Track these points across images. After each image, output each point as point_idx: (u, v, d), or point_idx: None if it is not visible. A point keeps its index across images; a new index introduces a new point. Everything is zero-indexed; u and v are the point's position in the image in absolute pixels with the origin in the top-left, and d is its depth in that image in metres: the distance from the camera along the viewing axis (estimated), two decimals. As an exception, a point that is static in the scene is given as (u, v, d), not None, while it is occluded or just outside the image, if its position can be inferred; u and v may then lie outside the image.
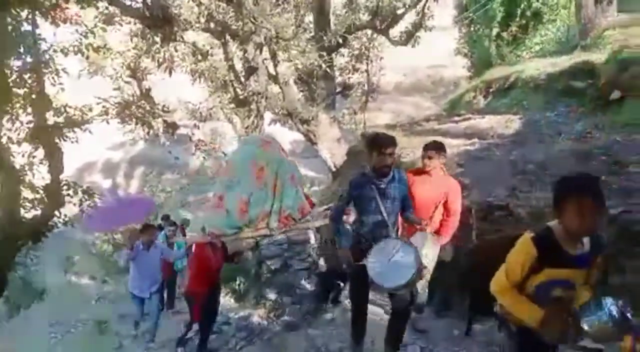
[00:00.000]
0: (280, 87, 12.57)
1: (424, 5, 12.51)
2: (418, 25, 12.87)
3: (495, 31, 16.63)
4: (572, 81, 10.97)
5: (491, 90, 13.70)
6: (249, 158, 5.38)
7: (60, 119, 9.27)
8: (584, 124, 9.46)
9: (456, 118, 12.70)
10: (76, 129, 9.31)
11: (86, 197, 9.42)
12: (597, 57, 10.86)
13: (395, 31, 13.47)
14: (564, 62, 11.88)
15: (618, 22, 12.22)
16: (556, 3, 16.31)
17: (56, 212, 8.35)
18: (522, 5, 16.05)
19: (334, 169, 13.19)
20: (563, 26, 16.78)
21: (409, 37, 13.22)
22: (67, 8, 9.81)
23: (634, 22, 11.80)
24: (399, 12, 12.87)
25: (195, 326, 6.50)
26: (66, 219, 8.96)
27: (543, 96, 11.41)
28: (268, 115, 13.89)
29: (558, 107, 10.73)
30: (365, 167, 4.35)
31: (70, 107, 9.71)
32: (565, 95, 10.90)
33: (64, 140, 8.86)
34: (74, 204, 9.35)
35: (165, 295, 9.09)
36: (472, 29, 17.94)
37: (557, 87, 11.25)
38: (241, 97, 12.01)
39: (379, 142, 3.91)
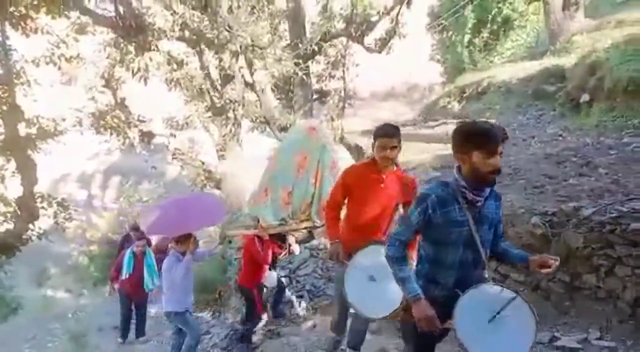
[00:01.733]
0: (257, 95, 12.58)
1: (397, 13, 12.67)
2: (392, 33, 13.02)
3: (467, 38, 16.97)
4: (542, 85, 11.24)
5: (465, 95, 13.95)
6: (293, 147, 5.24)
7: (33, 130, 9.14)
8: (555, 126, 9.71)
9: (432, 123, 12.90)
10: (49, 140, 9.19)
11: (61, 209, 9.27)
12: (567, 61, 11.16)
13: (370, 39, 13.62)
14: (534, 66, 12.18)
15: (585, 27, 12.58)
16: (526, 9, 16.71)
17: (30, 225, 8.20)
18: (493, 12, 16.41)
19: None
20: (533, 32, 17.20)
21: (384, 45, 13.37)
22: (37, 18, 9.69)
23: (600, 27, 12.17)
24: (373, 19, 13.02)
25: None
26: (40, 231, 8.80)
27: (515, 100, 11.66)
28: (246, 123, 13.88)
29: (530, 110, 10.98)
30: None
31: (42, 118, 9.57)
32: (536, 99, 11.16)
33: (37, 151, 8.72)
34: (49, 217, 9.20)
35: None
36: (444, 35, 18.25)
37: (529, 91, 11.52)
38: (218, 105, 11.97)
39: (488, 136, 2.41)
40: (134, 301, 7.90)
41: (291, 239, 6.14)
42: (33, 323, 11.73)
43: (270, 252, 6.09)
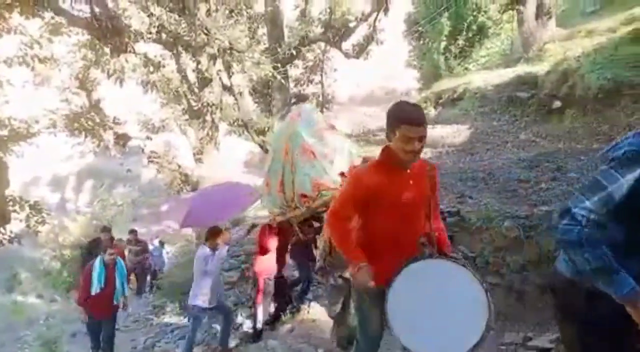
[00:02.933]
0: (235, 99, 12.55)
1: (375, 19, 12.80)
2: (369, 39, 13.15)
3: (443, 45, 17.22)
4: (516, 92, 11.47)
5: (441, 101, 14.13)
6: (280, 135, 5.27)
7: (5, 132, 8.97)
8: (528, 132, 9.92)
9: (408, 128, 13.02)
10: (22, 142, 9.02)
11: (33, 212, 9.09)
12: (539, 68, 11.41)
13: (348, 44, 13.74)
14: (508, 73, 12.42)
15: (557, 36, 12.90)
16: (500, 18, 17.05)
17: (1, 229, 8.03)
18: (469, 20, 16.70)
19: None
20: (507, 39, 17.55)
21: (361, 50, 13.49)
22: (10, 18, 9.51)
23: (571, 36, 12.50)
24: (351, 25, 13.13)
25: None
26: (12, 235, 8.61)
27: (489, 106, 11.86)
28: (223, 127, 13.82)
29: (504, 116, 11.20)
30: None
31: (15, 119, 9.39)
32: (510, 105, 11.38)
33: (9, 154, 8.55)
34: (20, 220, 9.01)
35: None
36: (421, 42, 18.51)
37: (503, 98, 11.74)
38: (195, 108, 11.90)
39: None
40: (101, 320, 6.49)
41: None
42: (3, 330, 11.45)
43: (270, 241, 6.11)
